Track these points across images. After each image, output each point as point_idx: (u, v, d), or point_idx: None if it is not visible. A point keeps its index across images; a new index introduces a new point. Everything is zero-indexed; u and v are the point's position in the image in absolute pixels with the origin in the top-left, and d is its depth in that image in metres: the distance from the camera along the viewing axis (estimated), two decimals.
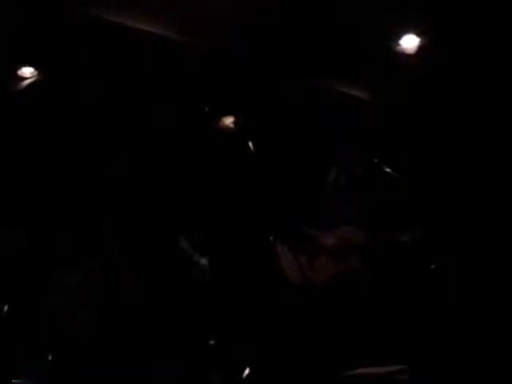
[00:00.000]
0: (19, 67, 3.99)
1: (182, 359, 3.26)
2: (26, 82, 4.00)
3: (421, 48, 4.26)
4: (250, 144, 3.53)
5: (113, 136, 3.71)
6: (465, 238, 4.24)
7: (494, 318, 3.84)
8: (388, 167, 3.84)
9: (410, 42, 4.27)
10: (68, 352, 3.12)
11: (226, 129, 3.88)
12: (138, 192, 3.71)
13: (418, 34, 4.25)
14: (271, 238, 3.71)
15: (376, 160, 3.85)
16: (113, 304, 3.29)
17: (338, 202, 3.94)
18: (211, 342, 3.38)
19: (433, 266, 3.85)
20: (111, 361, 3.10)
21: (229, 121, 3.89)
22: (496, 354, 3.57)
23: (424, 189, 4.33)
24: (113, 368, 3.05)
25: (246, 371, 3.22)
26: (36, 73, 4.00)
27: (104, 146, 3.70)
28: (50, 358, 3.06)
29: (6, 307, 3.16)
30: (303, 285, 3.53)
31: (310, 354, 3.45)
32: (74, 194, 3.67)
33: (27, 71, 4.05)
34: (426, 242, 3.94)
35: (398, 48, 4.27)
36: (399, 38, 4.25)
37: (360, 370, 3.06)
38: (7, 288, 3.27)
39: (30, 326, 3.19)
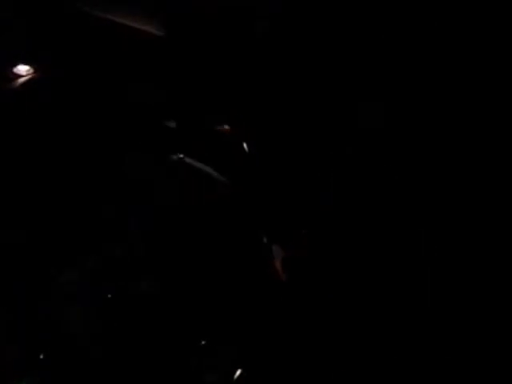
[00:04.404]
0: (14, 65, 4.01)
1: (177, 359, 3.28)
2: (22, 80, 4.01)
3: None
4: (245, 145, 3.55)
5: (111, 134, 3.73)
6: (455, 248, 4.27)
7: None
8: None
9: None
10: (67, 352, 3.14)
11: (221, 131, 3.90)
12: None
13: None
14: (265, 239, 3.72)
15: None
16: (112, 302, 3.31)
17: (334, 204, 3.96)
18: (203, 343, 3.40)
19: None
20: (111, 360, 3.13)
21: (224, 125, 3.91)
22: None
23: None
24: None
25: (238, 372, 3.23)
26: (32, 71, 4.01)
27: (102, 146, 3.73)
28: (48, 358, 3.09)
29: (3, 307, 3.17)
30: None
31: (303, 355, 3.46)
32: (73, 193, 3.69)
33: (23, 69, 4.06)
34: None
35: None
36: None
37: None
38: (5, 287, 3.28)
39: (28, 326, 3.21)
